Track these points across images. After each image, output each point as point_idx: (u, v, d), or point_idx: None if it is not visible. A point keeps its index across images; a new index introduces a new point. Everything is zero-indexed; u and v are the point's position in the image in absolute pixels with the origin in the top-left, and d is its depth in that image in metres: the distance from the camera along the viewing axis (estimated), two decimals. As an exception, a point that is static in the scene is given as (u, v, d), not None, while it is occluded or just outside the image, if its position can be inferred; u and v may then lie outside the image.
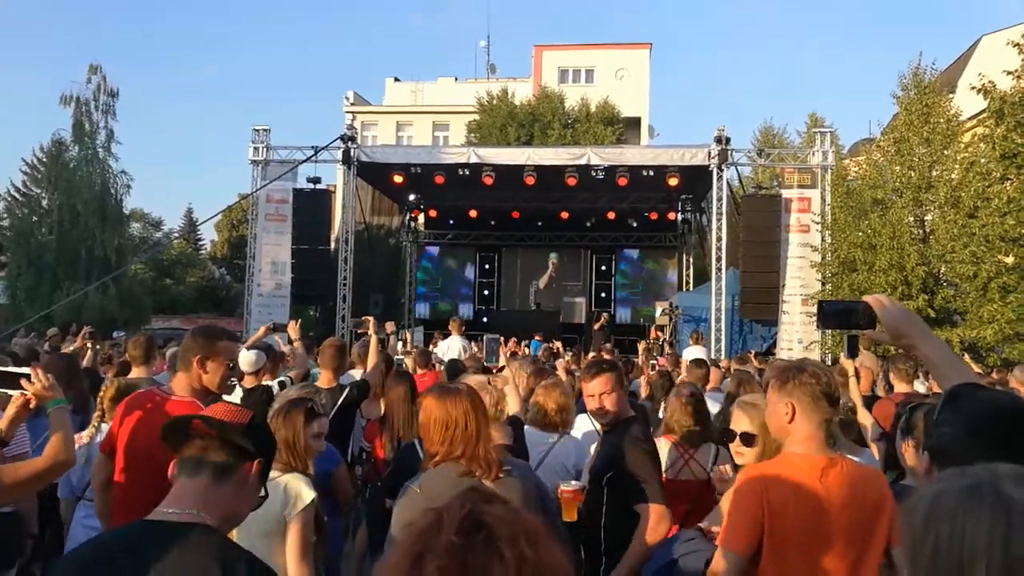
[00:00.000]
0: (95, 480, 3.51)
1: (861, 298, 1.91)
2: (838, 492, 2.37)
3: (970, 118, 16.61)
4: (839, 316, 1.98)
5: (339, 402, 4.87)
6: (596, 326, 18.39)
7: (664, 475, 3.63)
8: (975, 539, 1.00)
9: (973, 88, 12.00)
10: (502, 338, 4.90)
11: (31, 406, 2.75)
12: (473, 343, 12.02)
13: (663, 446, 3.94)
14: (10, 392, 2.76)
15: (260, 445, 1.89)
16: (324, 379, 5.21)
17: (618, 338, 18.91)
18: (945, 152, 14.46)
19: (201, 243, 46.13)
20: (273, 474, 2.83)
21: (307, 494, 2.83)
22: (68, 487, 4.33)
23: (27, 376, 2.71)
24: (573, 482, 3.52)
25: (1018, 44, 11.69)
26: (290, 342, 6.36)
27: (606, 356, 9.83)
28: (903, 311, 1.86)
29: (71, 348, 7.97)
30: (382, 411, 5.31)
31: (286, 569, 2.78)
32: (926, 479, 1.56)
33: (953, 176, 13.91)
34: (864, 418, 4.38)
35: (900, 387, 6.01)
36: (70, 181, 23.04)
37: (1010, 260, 12.07)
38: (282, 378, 5.39)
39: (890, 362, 6.21)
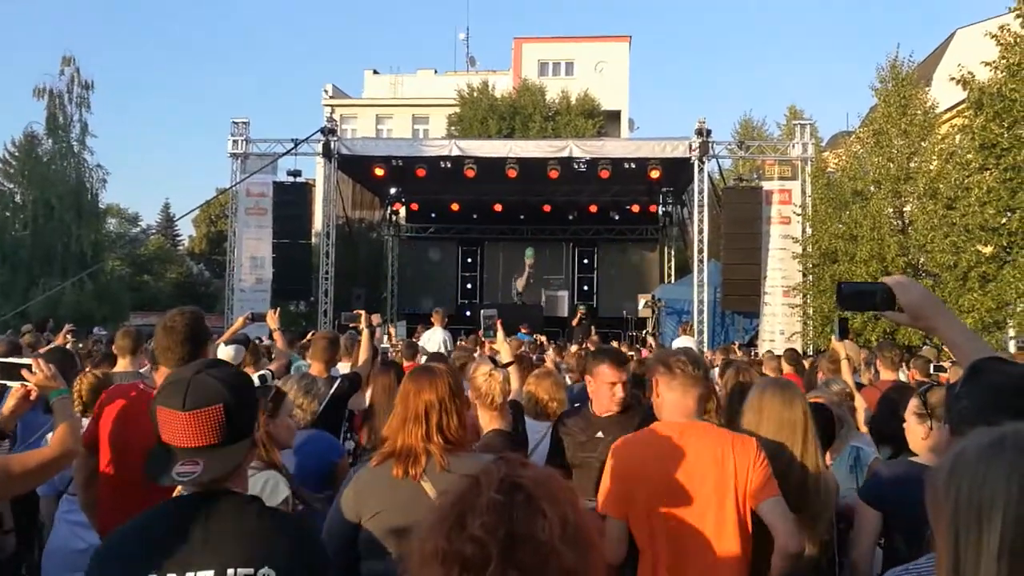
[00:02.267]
0: (77, 475, 3.43)
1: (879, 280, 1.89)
2: (696, 452, 2.58)
3: (946, 110, 16.80)
4: (858, 298, 1.94)
5: (330, 394, 4.82)
6: (574, 322, 18.42)
7: None
8: (994, 488, 1.00)
9: (952, 79, 12.12)
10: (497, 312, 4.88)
11: (32, 397, 2.69)
12: (461, 335, 11.99)
13: None
14: (10, 384, 2.70)
15: None
16: (315, 370, 5.17)
17: (600, 331, 18.94)
18: (923, 144, 14.62)
19: (179, 239, 45.66)
20: (250, 471, 2.74)
21: (282, 491, 2.71)
22: (50, 483, 4.23)
23: (28, 367, 2.65)
24: None
25: (995, 36, 11.80)
26: (270, 334, 6.30)
27: (591, 347, 9.88)
28: (924, 292, 1.83)
29: (51, 345, 7.83)
30: (367, 402, 5.26)
31: None
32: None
33: (931, 167, 14.07)
34: (858, 402, 4.40)
35: (886, 375, 6.07)
36: (44, 175, 22.67)
37: (989, 250, 12.22)
38: (263, 372, 5.31)
39: (877, 350, 6.26)
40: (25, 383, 2.65)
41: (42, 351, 5.93)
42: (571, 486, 1.15)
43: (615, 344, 13.64)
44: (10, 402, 2.70)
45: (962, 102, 13.63)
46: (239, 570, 1.62)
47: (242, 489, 1.80)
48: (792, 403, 2.86)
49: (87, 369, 5.23)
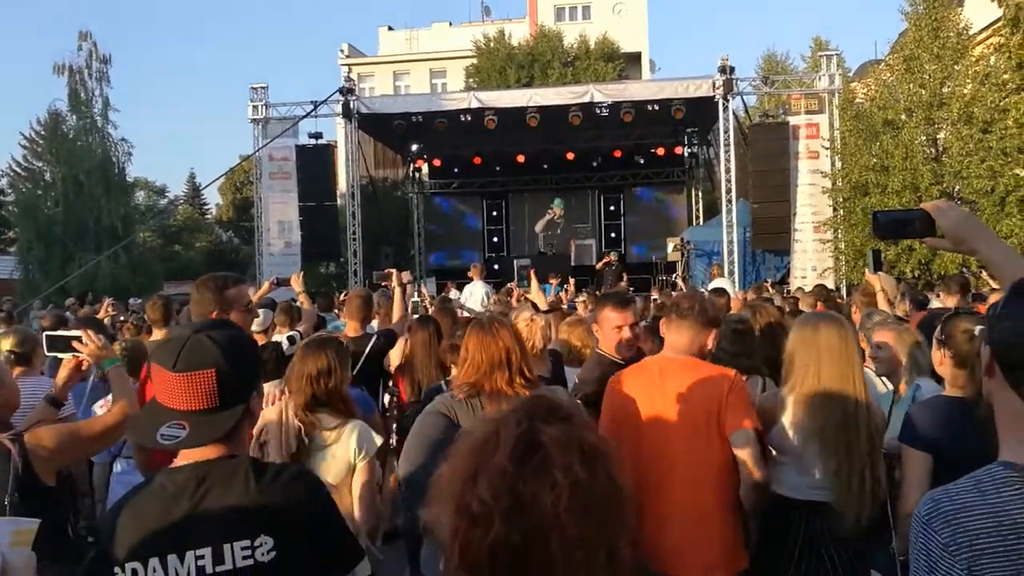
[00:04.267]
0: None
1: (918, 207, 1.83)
2: (678, 384, 2.83)
3: (981, 31, 16.17)
4: (896, 226, 1.85)
5: (367, 351, 4.89)
6: (599, 266, 18.24)
7: None
8: None
9: (986, -4, 11.65)
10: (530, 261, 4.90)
11: (84, 368, 2.77)
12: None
13: None
14: (60, 355, 2.79)
15: None
16: (351, 328, 5.23)
17: (631, 277, 18.83)
18: (956, 67, 14.14)
19: (206, 207, 46.05)
20: (335, 422, 2.95)
21: (377, 439, 2.99)
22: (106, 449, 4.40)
23: (78, 338, 2.73)
24: None
25: (1030, -51, 11.32)
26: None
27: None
28: (964, 215, 1.75)
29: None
30: (404, 357, 5.31)
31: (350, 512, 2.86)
32: (987, 375, 1.51)
33: (965, 91, 13.63)
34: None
35: (949, 302, 5.95)
36: (71, 152, 22.83)
37: (1027, 173, 11.90)
38: (291, 333, 5.38)
39: (941, 281, 6.17)
40: (77, 354, 2.72)
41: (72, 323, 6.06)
42: (601, 444, 1.09)
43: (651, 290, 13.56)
44: (63, 373, 2.78)
45: (997, 20, 13.12)
46: (235, 544, 1.56)
47: (241, 452, 1.72)
48: (847, 337, 2.83)
49: (122, 338, 5.37)
